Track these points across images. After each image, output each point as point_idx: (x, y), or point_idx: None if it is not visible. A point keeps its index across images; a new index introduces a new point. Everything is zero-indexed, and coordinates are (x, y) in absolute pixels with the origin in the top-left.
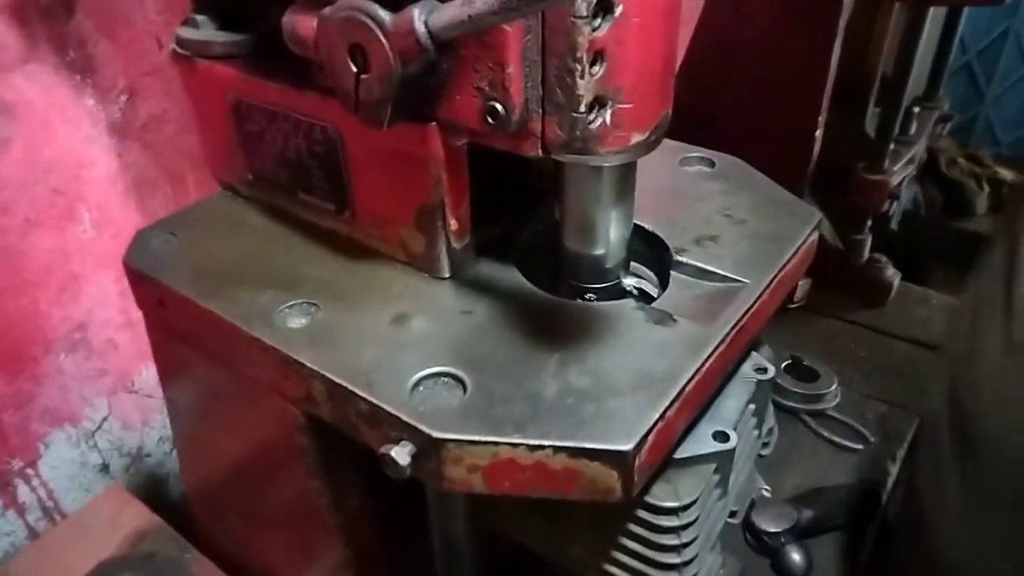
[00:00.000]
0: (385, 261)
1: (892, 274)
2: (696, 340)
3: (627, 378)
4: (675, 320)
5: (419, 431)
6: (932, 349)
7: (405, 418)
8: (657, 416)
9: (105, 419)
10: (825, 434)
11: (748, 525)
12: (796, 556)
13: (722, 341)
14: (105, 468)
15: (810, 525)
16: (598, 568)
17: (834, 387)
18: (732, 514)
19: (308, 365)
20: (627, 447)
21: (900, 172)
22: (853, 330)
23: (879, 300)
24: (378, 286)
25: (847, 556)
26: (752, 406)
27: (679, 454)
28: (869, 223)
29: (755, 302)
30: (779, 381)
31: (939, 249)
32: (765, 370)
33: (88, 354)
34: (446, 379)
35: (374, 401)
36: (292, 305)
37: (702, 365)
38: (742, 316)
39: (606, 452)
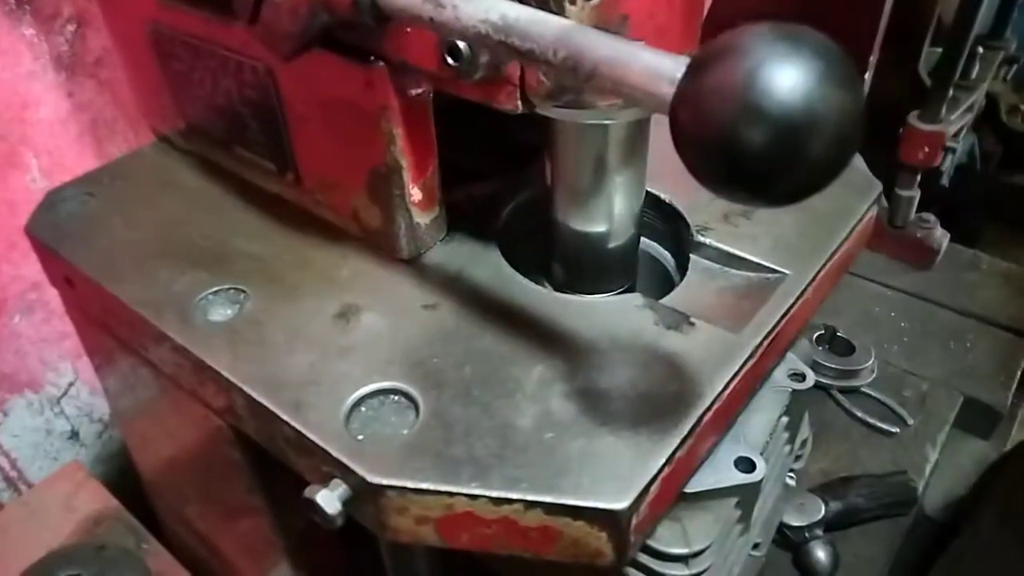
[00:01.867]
0: (336, 235)
1: (940, 235)
2: (719, 352)
3: (627, 405)
4: (692, 323)
5: (353, 472)
6: (981, 320)
7: (336, 453)
8: (663, 461)
9: (71, 384)
10: (859, 414)
11: None
12: (821, 553)
13: (752, 354)
14: (75, 435)
15: (838, 518)
16: None
17: (871, 362)
18: (755, 546)
19: (224, 374)
20: (620, 505)
21: (957, 121)
22: (894, 297)
23: (925, 263)
24: (324, 268)
25: (878, 554)
26: (785, 419)
27: (691, 488)
28: (918, 178)
29: (797, 300)
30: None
31: (994, 207)
32: (803, 377)
33: (47, 316)
34: (396, 398)
35: (299, 428)
36: (217, 292)
37: (726, 387)
38: (780, 319)
39: (593, 511)
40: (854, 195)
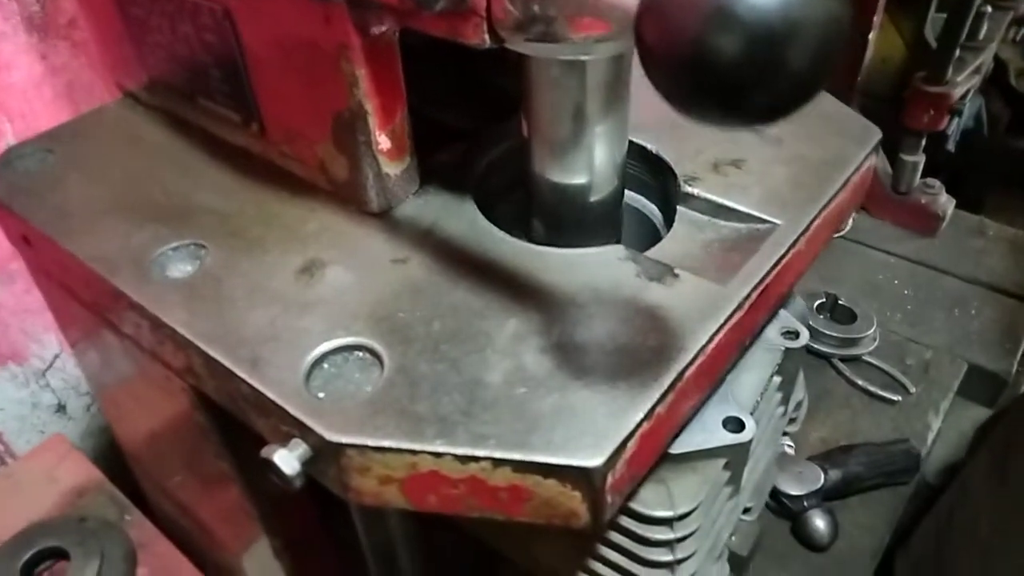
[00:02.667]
0: (304, 190)
1: (945, 201)
2: (704, 304)
3: (604, 359)
4: (676, 275)
5: (312, 430)
6: (987, 287)
7: (293, 411)
8: (641, 416)
9: (56, 357)
10: (859, 383)
11: None
12: (820, 522)
13: (740, 306)
14: (62, 409)
15: (837, 487)
16: None
17: (872, 330)
18: (746, 510)
19: (179, 331)
20: (594, 462)
21: (963, 83)
22: (897, 264)
23: (929, 230)
24: (289, 222)
25: (879, 522)
26: (778, 379)
27: (676, 448)
28: (923, 143)
29: (789, 250)
30: (809, 322)
31: (1000, 173)
32: (796, 334)
33: (27, 286)
34: (360, 354)
35: (256, 386)
36: (176, 247)
37: (710, 340)
38: (770, 270)
39: (565, 468)
40: (851, 143)
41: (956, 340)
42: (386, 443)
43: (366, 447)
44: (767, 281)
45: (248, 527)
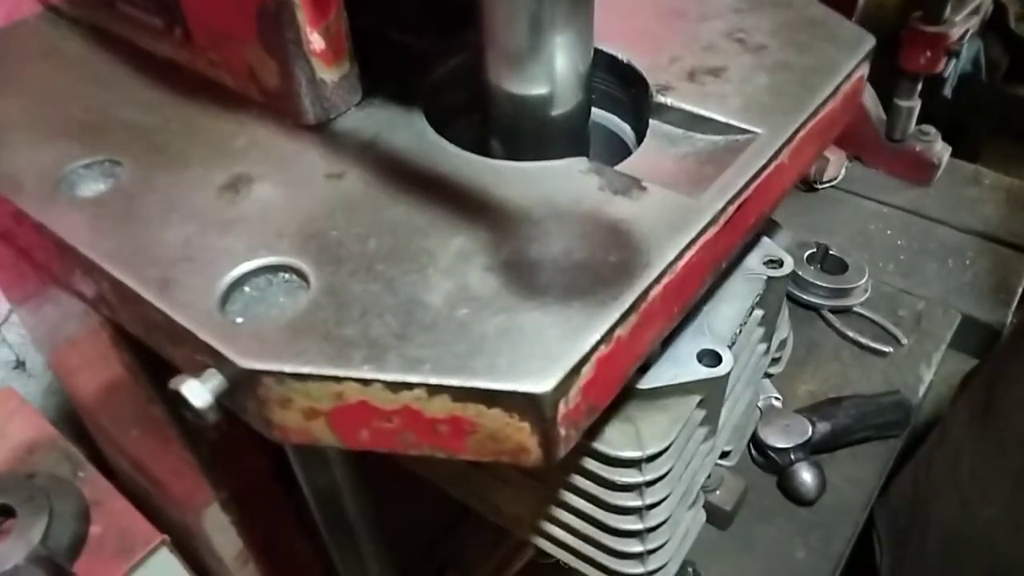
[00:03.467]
0: (235, 104)
1: (941, 148)
2: (673, 218)
3: (559, 277)
4: (644, 188)
5: (225, 358)
6: (982, 236)
7: (204, 336)
8: (598, 338)
9: (11, 311)
10: (850, 334)
11: (753, 439)
12: (807, 475)
13: (714, 220)
14: (20, 365)
15: (825, 440)
16: (536, 529)
17: (864, 280)
18: (724, 455)
19: (82, 252)
20: (543, 388)
21: (962, 24)
22: (891, 214)
23: (923, 178)
24: (216, 137)
25: (868, 476)
26: (759, 312)
27: (645, 383)
28: (919, 87)
29: (769, 162)
30: (799, 272)
31: (997, 120)
32: (779, 263)
33: None
34: (286, 276)
35: (165, 310)
36: (89, 165)
37: (679, 257)
38: (748, 183)
39: (510, 395)
40: (841, 49)
41: (950, 291)
42: (306, 369)
43: (284, 374)
44: (745, 195)
45: (191, 479)
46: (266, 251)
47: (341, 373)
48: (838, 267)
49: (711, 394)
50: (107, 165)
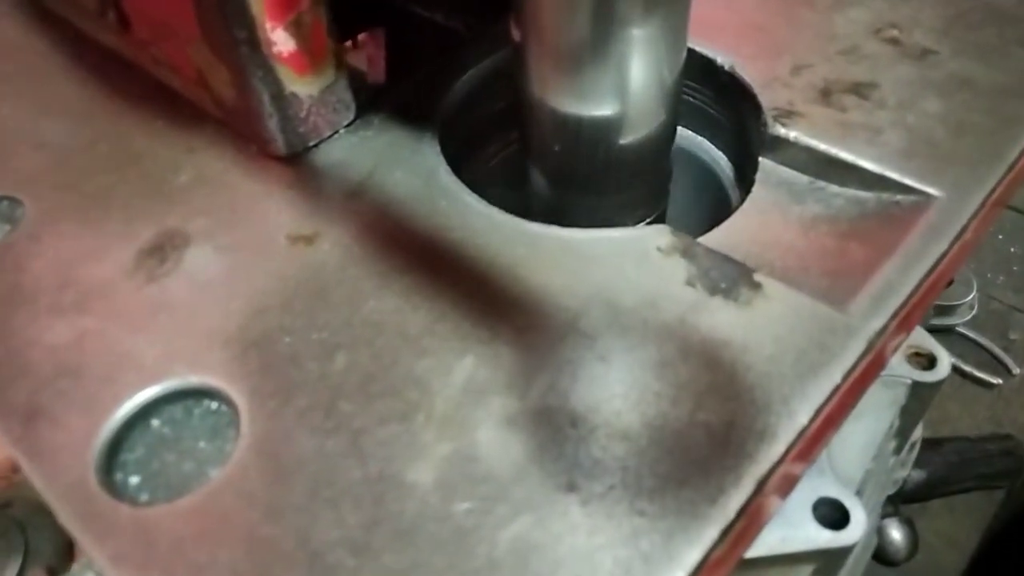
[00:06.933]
0: (187, 118)
1: None
2: (806, 347)
3: (622, 451)
4: (758, 284)
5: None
6: None
7: (65, 519)
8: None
9: None
10: (953, 361)
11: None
12: (896, 533)
13: (870, 347)
14: None
15: (919, 490)
16: None
17: (971, 296)
18: None
19: None
20: None
21: None
22: (1003, 215)
23: None
24: (153, 168)
25: (966, 534)
26: (896, 424)
27: (749, 553)
28: None
29: (953, 244)
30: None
31: None
32: (931, 361)
33: None
34: (213, 405)
35: (20, 460)
36: None
37: (817, 413)
38: (922, 280)
39: None
40: None
41: None
42: None
43: None
44: (914, 300)
45: None
46: (186, 366)
47: None
48: None
49: (830, 563)
50: (5, 205)
